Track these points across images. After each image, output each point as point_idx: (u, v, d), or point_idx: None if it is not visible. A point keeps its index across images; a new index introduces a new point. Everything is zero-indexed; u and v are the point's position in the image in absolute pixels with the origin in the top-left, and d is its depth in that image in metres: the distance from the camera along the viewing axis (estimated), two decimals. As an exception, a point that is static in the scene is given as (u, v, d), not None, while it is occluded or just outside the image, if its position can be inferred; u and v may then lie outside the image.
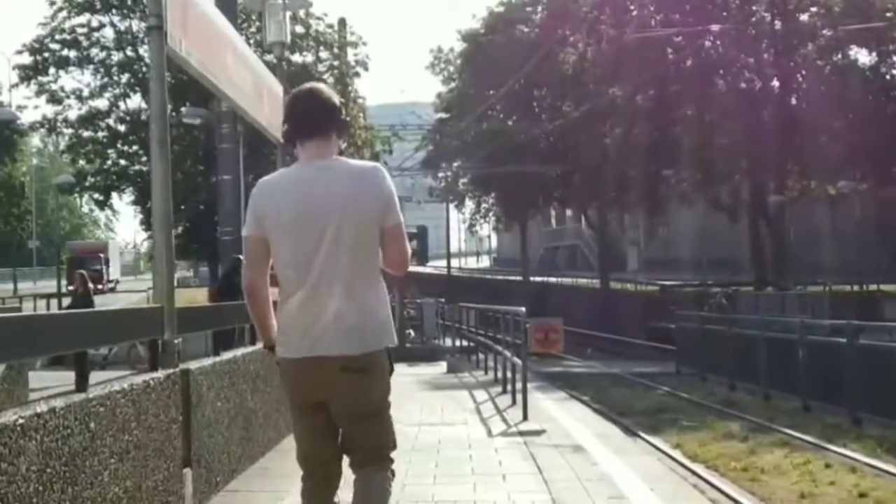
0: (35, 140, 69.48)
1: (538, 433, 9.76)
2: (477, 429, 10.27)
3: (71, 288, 24.64)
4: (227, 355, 7.39)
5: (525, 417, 10.81)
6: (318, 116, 3.91)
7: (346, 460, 4.05)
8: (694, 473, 9.83)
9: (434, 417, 11.31)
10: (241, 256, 12.26)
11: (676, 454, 11.11)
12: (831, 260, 43.88)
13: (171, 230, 6.16)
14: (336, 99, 4.00)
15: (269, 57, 35.82)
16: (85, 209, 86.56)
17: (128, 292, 47.79)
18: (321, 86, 4.09)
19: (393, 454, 4.03)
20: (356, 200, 3.79)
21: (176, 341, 6.12)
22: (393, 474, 4.01)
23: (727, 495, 8.66)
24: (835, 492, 8.91)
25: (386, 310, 3.94)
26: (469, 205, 62.16)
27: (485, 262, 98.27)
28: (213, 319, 7.87)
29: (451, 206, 64.30)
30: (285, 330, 3.90)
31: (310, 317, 3.81)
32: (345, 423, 3.93)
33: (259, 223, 3.87)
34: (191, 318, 7.26)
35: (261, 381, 8.40)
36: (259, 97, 9.62)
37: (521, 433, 9.78)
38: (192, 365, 6.39)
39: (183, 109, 23.90)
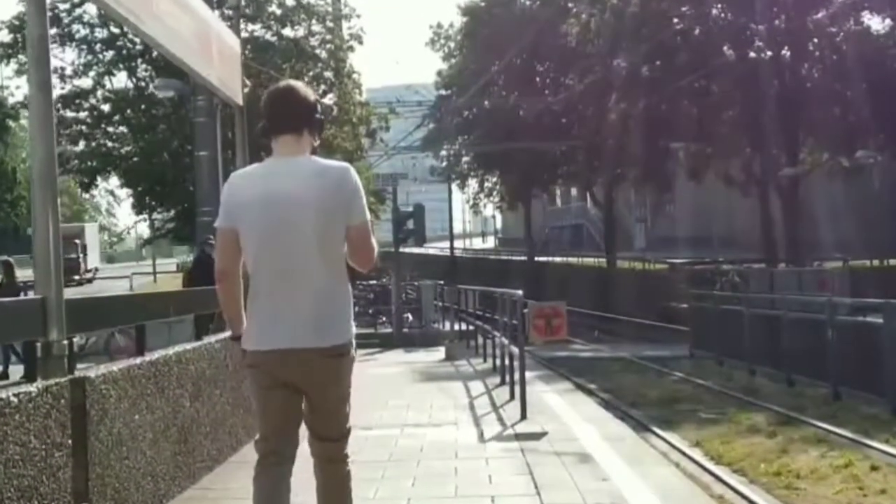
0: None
1: (538, 436, 8.40)
2: (467, 431, 8.91)
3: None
4: (151, 355, 6.05)
5: (524, 416, 9.43)
6: (291, 113, 4.01)
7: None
8: (718, 479, 8.49)
9: (421, 416, 9.99)
10: (211, 238, 11.00)
11: (697, 455, 9.78)
12: (847, 234, 42.30)
13: (56, 196, 4.77)
14: (312, 97, 4.09)
15: (258, 31, 34.52)
16: (87, 195, 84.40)
17: (110, 278, 46.23)
18: (297, 83, 4.18)
19: (348, 450, 4.10)
20: (320, 198, 3.87)
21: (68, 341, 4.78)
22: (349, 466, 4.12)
23: (761, 510, 7.34)
24: (888, 502, 7.57)
25: (350, 306, 4.04)
26: (472, 184, 60.75)
27: (490, 242, 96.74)
28: (124, 313, 6.44)
29: (454, 185, 62.85)
30: (256, 322, 3.96)
31: (278, 309, 3.89)
32: (320, 409, 3.99)
33: (230, 215, 3.97)
34: (94, 311, 5.85)
35: (206, 383, 7.06)
36: (206, 49, 8.23)
37: (518, 436, 8.41)
38: (93, 371, 5.06)
39: (157, 81, 22.44)
